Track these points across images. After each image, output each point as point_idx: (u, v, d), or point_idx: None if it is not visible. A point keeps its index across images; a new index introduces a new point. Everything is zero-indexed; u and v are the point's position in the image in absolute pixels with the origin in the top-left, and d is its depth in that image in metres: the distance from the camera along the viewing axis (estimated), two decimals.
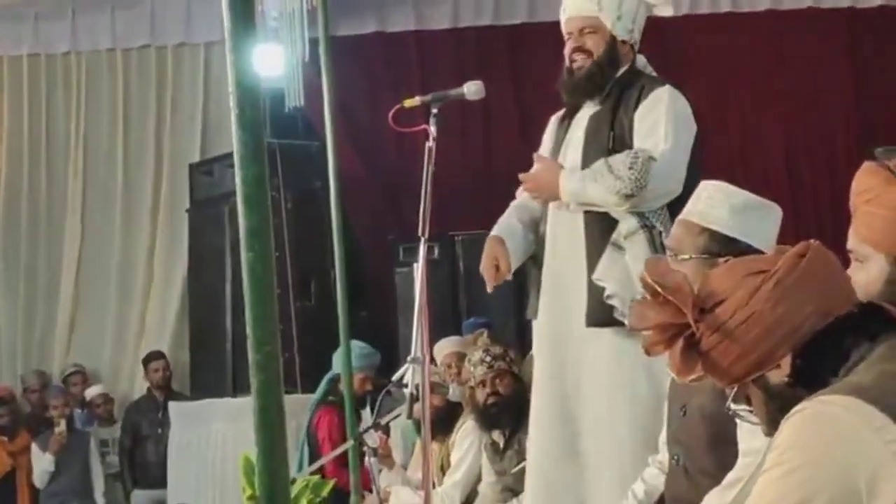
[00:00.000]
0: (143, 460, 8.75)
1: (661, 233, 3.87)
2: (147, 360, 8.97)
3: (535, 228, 4.23)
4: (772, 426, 1.96)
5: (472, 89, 4.01)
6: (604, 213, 3.98)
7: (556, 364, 4.07)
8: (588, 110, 4.16)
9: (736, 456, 3.09)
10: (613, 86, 4.11)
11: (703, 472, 3.18)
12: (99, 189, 9.51)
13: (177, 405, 8.53)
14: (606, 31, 4.11)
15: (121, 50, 9.55)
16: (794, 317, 1.89)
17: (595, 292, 3.94)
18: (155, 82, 9.54)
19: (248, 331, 1.71)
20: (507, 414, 5.13)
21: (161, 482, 8.44)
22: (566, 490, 3.99)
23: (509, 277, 4.15)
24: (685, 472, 3.23)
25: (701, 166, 4.07)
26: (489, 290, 4.12)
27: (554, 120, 4.33)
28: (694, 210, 3.21)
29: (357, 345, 6.73)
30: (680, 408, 3.29)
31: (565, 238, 4.09)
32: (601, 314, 3.92)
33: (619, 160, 3.90)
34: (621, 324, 3.84)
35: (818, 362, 1.90)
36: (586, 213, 4.02)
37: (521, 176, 4.16)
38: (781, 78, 8.99)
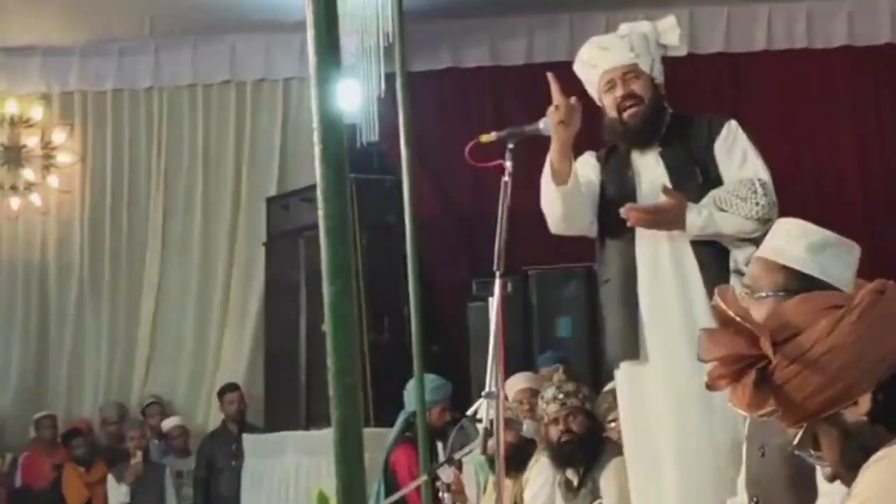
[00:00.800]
0: (218, 492, 8.81)
1: None
2: (222, 392, 9.05)
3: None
4: (844, 468, 1.91)
5: (547, 125, 4.03)
6: (713, 242, 4.02)
7: (688, 408, 4.00)
8: (647, 151, 4.20)
9: (815, 497, 3.05)
10: (669, 127, 4.22)
11: None
12: (178, 222, 9.66)
13: (251, 437, 8.59)
14: (648, 76, 4.19)
15: (202, 85, 9.73)
16: (877, 351, 1.85)
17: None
18: (234, 117, 9.69)
19: (329, 363, 1.73)
20: (580, 452, 5.11)
21: None
22: None
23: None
24: None
25: None
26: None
27: (591, 158, 4.38)
28: (771, 247, 3.19)
29: (428, 377, 6.74)
30: (758, 448, 3.26)
31: (675, 271, 4.09)
32: None
33: (743, 189, 4.00)
34: None
35: None
36: (696, 244, 4.05)
37: (641, 206, 4.12)
38: (856, 115, 8.90)
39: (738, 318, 1.91)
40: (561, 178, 4.12)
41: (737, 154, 4.10)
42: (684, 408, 4.02)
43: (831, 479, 1.98)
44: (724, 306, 1.94)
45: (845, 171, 8.85)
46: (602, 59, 4.26)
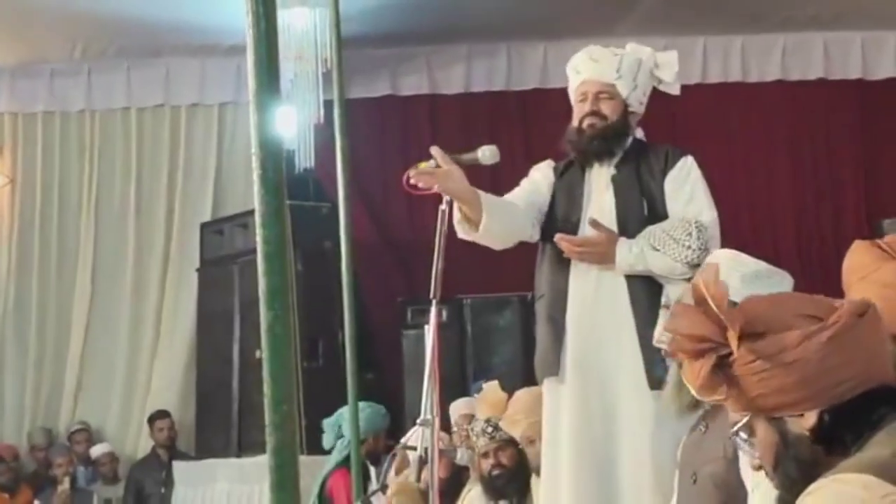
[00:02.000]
0: None
1: None
2: (152, 419, 8.95)
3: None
4: (770, 467, 1.91)
5: (486, 154, 4.04)
6: (647, 276, 4.05)
7: (593, 426, 4.05)
8: (603, 172, 4.23)
9: None
10: (628, 152, 4.19)
11: None
12: (109, 247, 9.54)
13: (181, 464, 8.50)
14: (622, 100, 4.20)
15: (135, 108, 9.63)
16: (838, 374, 1.85)
17: (650, 355, 3.95)
18: (168, 141, 9.61)
19: (266, 390, 1.71)
20: (512, 485, 5.12)
21: None
22: None
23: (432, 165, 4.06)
24: None
25: None
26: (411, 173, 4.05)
27: (548, 168, 4.37)
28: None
29: (369, 406, 6.74)
30: (690, 475, 3.29)
31: (606, 301, 4.12)
32: (660, 376, 3.95)
33: (679, 230, 4.01)
34: None
35: (846, 426, 1.85)
36: (630, 277, 4.08)
37: (570, 239, 4.15)
38: (790, 149, 9.04)
39: (711, 302, 1.89)
40: (472, 224, 4.10)
41: (685, 191, 4.11)
42: (588, 429, 4.06)
43: (756, 468, 1.99)
44: (702, 286, 1.91)
45: (780, 203, 8.98)
46: (586, 69, 4.26)
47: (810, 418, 1.88)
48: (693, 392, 1.99)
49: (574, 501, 4.08)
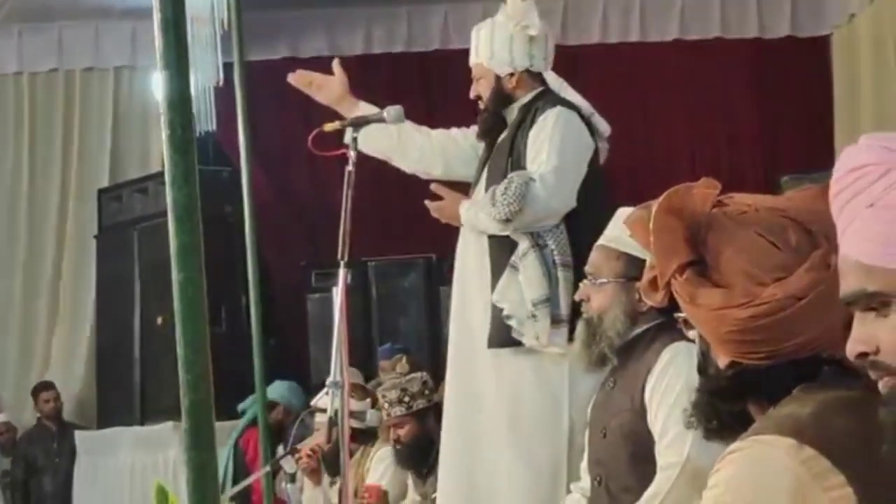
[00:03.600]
0: (40, 492, 8.58)
1: (552, 251, 3.94)
2: (36, 391, 8.80)
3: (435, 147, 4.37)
4: (702, 356, 1.91)
5: (391, 114, 4.03)
6: (505, 236, 4.05)
7: (462, 386, 4.13)
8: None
9: (654, 473, 3.14)
10: (518, 115, 4.19)
11: (624, 490, 3.22)
12: (3, 214, 9.34)
13: (83, 434, 8.41)
14: (490, 74, 4.21)
15: (28, 73, 9.42)
16: (750, 346, 1.82)
17: (496, 313, 4.00)
18: (62, 107, 9.41)
19: (179, 351, 1.70)
20: (412, 459, 5.17)
21: None
22: None
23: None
24: (607, 492, 3.27)
25: (603, 184, 4.19)
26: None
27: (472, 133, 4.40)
28: (611, 236, 3.32)
29: (284, 384, 6.81)
30: (600, 430, 3.34)
31: (473, 261, 4.17)
32: (501, 335, 3.99)
33: (501, 187, 3.99)
34: (520, 343, 3.92)
35: (754, 380, 1.84)
36: (490, 236, 4.10)
37: (428, 205, 4.21)
38: (689, 106, 9.15)
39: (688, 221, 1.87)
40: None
41: (536, 146, 4.06)
42: (455, 385, 4.15)
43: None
44: (694, 199, 1.90)
45: (678, 162, 9.08)
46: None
47: (722, 359, 1.88)
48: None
49: (443, 456, 4.19)
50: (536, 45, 4.19)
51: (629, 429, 3.21)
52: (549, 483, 3.89)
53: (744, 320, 1.80)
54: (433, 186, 4.21)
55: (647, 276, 1.93)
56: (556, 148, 4.01)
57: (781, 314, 1.79)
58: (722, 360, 1.88)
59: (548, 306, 3.89)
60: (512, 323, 3.95)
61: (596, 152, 4.16)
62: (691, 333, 1.94)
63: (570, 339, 3.81)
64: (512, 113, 4.19)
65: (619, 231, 3.18)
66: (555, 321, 3.90)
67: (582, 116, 4.13)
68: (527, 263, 3.95)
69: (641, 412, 3.19)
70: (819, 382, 1.81)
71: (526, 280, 3.93)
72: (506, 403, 4.00)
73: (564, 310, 3.90)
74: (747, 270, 1.83)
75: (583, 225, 3.98)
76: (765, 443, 1.73)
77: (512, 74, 4.19)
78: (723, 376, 1.87)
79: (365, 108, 4.26)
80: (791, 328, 1.81)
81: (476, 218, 4.06)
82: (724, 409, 1.87)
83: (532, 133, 4.08)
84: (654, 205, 1.91)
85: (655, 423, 3.15)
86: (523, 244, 3.98)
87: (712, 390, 1.88)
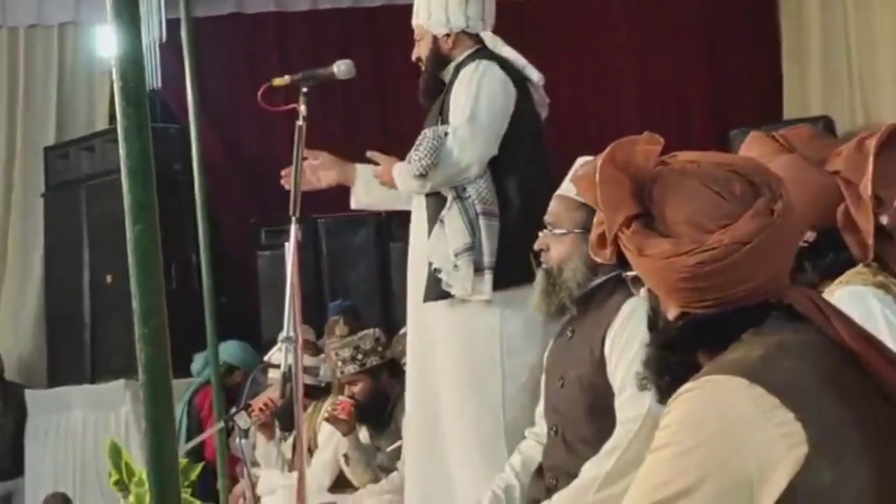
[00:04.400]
0: None
1: (474, 201, 3.95)
2: None
3: None
4: (652, 312, 1.94)
5: (342, 69, 4.02)
6: (437, 192, 4.07)
7: (417, 339, 4.17)
8: None
9: (613, 425, 3.17)
10: (452, 73, 4.19)
11: (581, 441, 3.25)
12: None
13: (34, 393, 8.35)
14: (428, 35, 4.22)
15: None
16: (695, 294, 1.85)
17: (430, 268, 4.05)
18: (6, 64, 9.26)
19: (135, 305, 1.70)
20: (367, 416, 5.19)
21: (7, 473, 8.25)
22: (432, 470, 4.07)
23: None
24: (564, 442, 3.29)
25: (535, 133, 4.16)
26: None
27: None
28: (571, 186, 3.29)
29: (240, 345, 6.81)
30: (558, 379, 3.36)
31: (417, 219, 4.20)
32: (434, 289, 4.03)
33: (417, 143, 4.02)
34: (451, 296, 3.97)
35: (702, 330, 1.87)
36: (427, 195, 4.11)
37: (372, 171, 4.24)
38: (638, 61, 9.17)
39: (637, 171, 1.88)
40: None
41: (455, 100, 4.07)
42: (412, 342, 4.20)
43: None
44: (638, 150, 1.91)
45: (628, 118, 9.11)
46: None
47: (672, 311, 1.90)
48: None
49: (408, 407, 4.22)
50: (472, 4, 4.18)
51: (588, 381, 3.23)
52: (489, 431, 3.91)
53: (692, 267, 1.82)
54: (369, 153, 4.22)
55: (595, 232, 1.95)
56: (471, 100, 4.01)
57: (728, 259, 1.82)
58: (672, 312, 1.90)
59: (470, 255, 3.91)
60: (442, 276, 3.98)
61: (526, 102, 4.14)
62: (641, 292, 1.97)
63: (498, 286, 3.85)
64: (448, 73, 4.20)
65: None
66: (478, 269, 3.92)
67: (506, 68, 4.10)
68: (450, 216, 3.98)
69: (601, 365, 3.21)
70: (767, 327, 1.84)
71: (450, 232, 3.96)
72: (450, 354, 4.04)
73: (487, 258, 3.92)
74: (693, 219, 1.85)
75: (510, 174, 4.01)
76: (716, 382, 1.77)
77: (448, 35, 4.19)
78: (673, 327, 1.90)
79: (361, 168, 4.26)
80: (738, 274, 1.83)
81: (402, 179, 4.08)
82: (675, 360, 1.89)
83: (454, 90, 4.10)
84: (599, 159, 1.93)
85: (615, 376, 3.18)
86: (449, 198, 4.01)
87: (663, 342, 1.91)
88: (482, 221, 3.93)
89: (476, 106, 4.00)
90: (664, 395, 1.90)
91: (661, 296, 1.91)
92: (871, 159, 2.21)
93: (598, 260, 1.96)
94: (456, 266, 3.92)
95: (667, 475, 1.75)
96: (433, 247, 4.02)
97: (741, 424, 1.72)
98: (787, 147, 2.50)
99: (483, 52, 4.17)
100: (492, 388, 3.92)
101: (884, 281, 2.39)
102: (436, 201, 4.07)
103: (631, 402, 3.12)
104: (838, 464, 1.70)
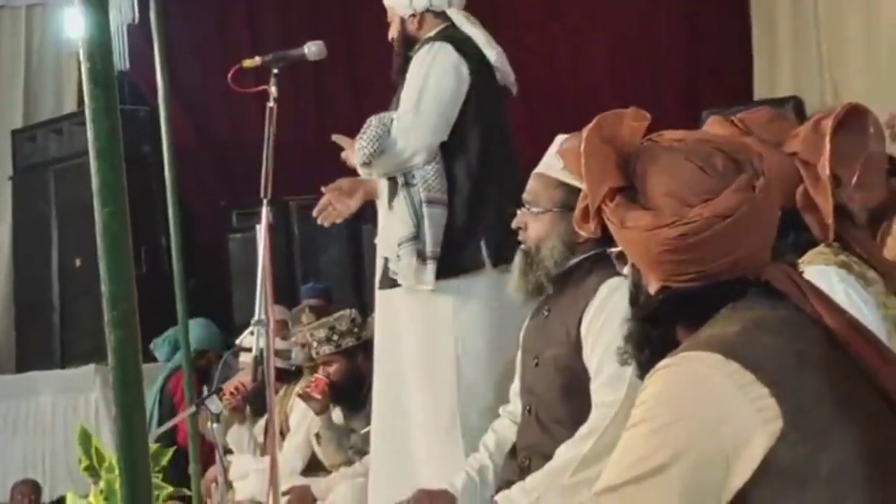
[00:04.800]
0: None
1: (419, 189, 3.92)
2: None
3: None
4: (633, 287, 1.96)
5: (312, 50, 3.99)
6: (393, 178, 4.05)
7: (381, 323, 4.15)
8: None
9: (588, 407, 3.16)
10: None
11: (556, 422, 3.24)
12: None
13: (2, 379, 8.30)
14: (397, 17, 4.19)
15: None
16: (678, 267, 1.87)
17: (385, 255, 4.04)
18: None
19: (104, 288, 1.68)
20: (342, 396, 5.18)
21: None
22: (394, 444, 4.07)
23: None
24: (538, 422, 3.29)
25: (491, 117, 4.08)
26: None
27: None
28: (550, 163, 3.28)
29: (208, 323, 6.77)
30: (533, 358, 3.35)
31: (381, 203, 4.18)
32: (385, 277, 4.02)
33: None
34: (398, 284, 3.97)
35: (683, 304, 1.89)
36: (388, 179, 4.09)
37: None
38: (613, 41, 9.15)
39: (622, 145, 1.90)
40: None
41: (406, 86, 4.04)
42: (382, 329, 4.15)
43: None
44: (625, 122, 1.92)
45: (602, 100, 9.09)
46: None
47: (653, 286, 1.92)
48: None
49: (374, 392, 4.21)
50: None
51: (563, 362, 3.23)
52: (445, 418, 3.91)
53: (674, 239, 1.84)
54: (334, 137, 4.19)
55: (579, 206, 1.96)
56: (419, 86, 3.99)
57: (709, 232, 1.84)
58: (653, 286, 1.92)
59: (412, 245, 3.88)
60: (389, 265, 3.97)
61: (483, 83, 4.08)
62: (625, 269, 1.98)
63: (445, 275, 3.83)
64: None
65: (557, 159, 3.20)
66: (421, 258, 3.90)
67: (463, 49, 4.05)
68: (398, 203, 3.96)
69: (577, 346, 3.20)
70: (745, 303, 1.86)
71: (398, 220, 3.93)
72: (412, 339, 4.04)
73: (431, 247, 3.89)
74: (676, 193, 1.87)
75: (460, 159, 3.98)
76: (692, 359, 1.78)
77: (413, 15, 4.17)
78: (654, 301, 1.91)
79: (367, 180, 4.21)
80: (718, 247, 1.85)
81: (359, 162, 4.05)
82: (655, 334, 1.90)
83: (408, 72, 4.08)
84: (585, 131, 1.93)
85: (591, 359, 3.17)
86: (398, 185, 3.98)
87: (644, 316, 1.92)
88: (425, 210, 3.90)
89: (423, 92, 3.97)
90: (644, 369, 1.91)
91: (643, 269, 1.93)
92: (827, 139, 2.23)
93: (583, 234, 1.98)
94: (398, 256, 3.90)
95: (643, 451, 1.76)
96: (382, 234, 4.01)
97: (717, 400, 1.74)
98: (745, 130, 2.52)
99: (446, 32, 4.13)
100: (448, 376, 3.92)
101: (846, 260, 2.41)
102: (391, 186, 4.06)
103: (608, 385, 3.11)
104: (814, 439, 1.71)
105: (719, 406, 1.73)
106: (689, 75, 9.10)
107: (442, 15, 4.18)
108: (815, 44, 8.36)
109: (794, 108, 7.44)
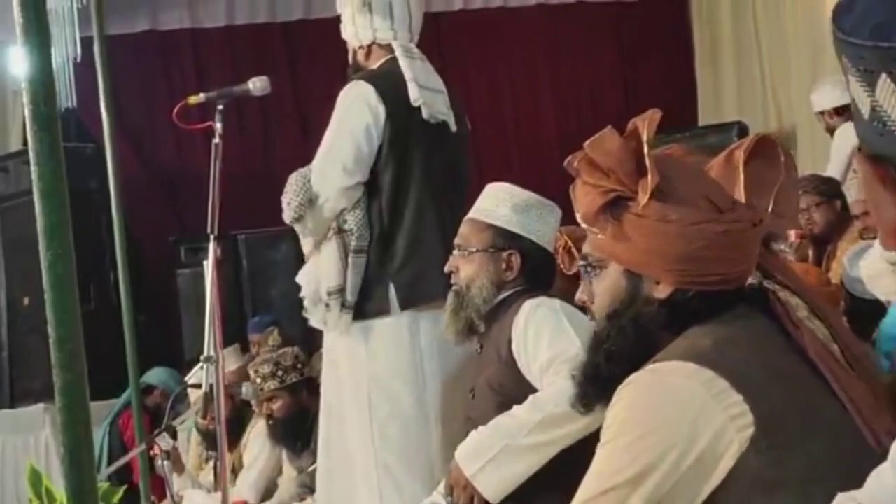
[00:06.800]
0: None
1: (353, 236, 3.87)
2: None
3: None
4: (603, 315, 1.97)
5: (257, 85, 3.98)
6: None
7: (326, 353, 4.14)
8: None
9: None
10: None
11: None
12: None
13: None
14: (352, 46, 4.16)
15: None
16: (713, 266, 1.90)
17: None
18: None
19: (50, 329, 1.69)
20: (285, 433, 5.17)
21: None
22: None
23: None
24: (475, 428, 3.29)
25: (412, 154, 3.94)
26: None
27: None
28: (480, 208, 3.43)
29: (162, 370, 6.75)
30: (469, 391, 3.38)
31: (305, 244, 4.14)
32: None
33: None
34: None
35: (693, 310, 1.91)
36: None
37: None
38: (553, 72, 9.25)
39: (645, 140, 1.91)
40: None
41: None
42: (327, 362, 4.10)
43: (582, 299, 2.04)
44: (640, 125, 1.94)
45: (545, 129, 9.17)
46: None
47: (665, 290, 1.93)
48: (577, 213, 1.98)
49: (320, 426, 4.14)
50: (377, 17, 4.06)
51: (497, 380, 3.25)
52: (365, 456, 3.88)
53: (719, 234, 1.89)
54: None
55: (559, 243, 2.00)
56: (334, 125, 3.90)
57: (747, 233, 1.92)
58: (663, 291, 1.93)
59: (340, 297, 3.87)
60: (305, 303, 3.96)
61: (405, 119, 3.93)
62: (603, 280, 1.99)
63: (355, 318, 3.84)
64: None
65: (490, 204, 3.37)
66: (344, 308, 3.90)
67: (383, 85, 3.92)
68: (328, 248, 3.91)
69: (510, 363, 3.22)
70: (716, 319, 1.90)
71: (324, 265, 3.90)
72: (343, 377, 4.00)
73: (350, 297, 3.87)
74: (708, 195, 1.93)
75: (375, 200, 3.90)
76: (664, 370, 1.81)
77: (361, 47, 4.12)
78: (670, 301, 1.92)
79: None
80: (745, 250, 1.93)
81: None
82: (605, 368, 1.93)
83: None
84: (607, 131, 1.95)
85: (531, 369, 3.17)
86: (333, 230, 3.92)
87: (639, 315, 1.93)
88: (351, 259, 3.87)
89: (337, 133, 3.89)
90: (585, 401, 1.97)
91: (659, 272, 1.93)
92: (740, 169, 2.28)
93: (566, 271, 2.01)
94: (327, 305, 3.88)
95: (620, 462, 1.79)
96: (305, 272, 3.99)
97: (692, 408, 1.76)
98: None
99: (382, 67, 4.04)
100: (363, 414, 3.89)
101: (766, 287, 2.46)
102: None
103: (556, 385, 3.07)
104: (784, 446, 1.75)
105: (694, 415, 1.76)
106: (632, 102, 9.20)
107: (388, 47, 4.15)
108: (758, 67, 8.49)
109: (739, 132, 7.54)
